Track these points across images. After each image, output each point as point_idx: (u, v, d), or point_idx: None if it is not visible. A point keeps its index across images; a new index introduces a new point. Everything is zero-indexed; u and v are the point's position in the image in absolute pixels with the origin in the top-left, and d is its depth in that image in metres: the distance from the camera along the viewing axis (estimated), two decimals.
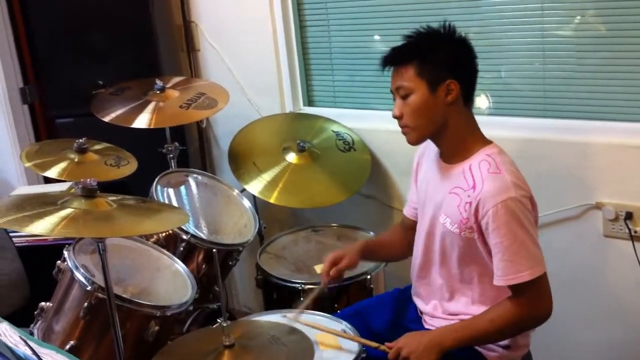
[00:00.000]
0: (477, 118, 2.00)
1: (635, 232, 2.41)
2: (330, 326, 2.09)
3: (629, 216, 2.40)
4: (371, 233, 2.83)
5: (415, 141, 1.98)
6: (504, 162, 1.90)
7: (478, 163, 1.91)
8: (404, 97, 1.92)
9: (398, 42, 1.98)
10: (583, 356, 2.66)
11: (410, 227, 2.24)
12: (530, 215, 1.87)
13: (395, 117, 1.96)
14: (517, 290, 1.85)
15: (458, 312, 2.03)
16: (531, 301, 1.84)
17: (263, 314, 2.22)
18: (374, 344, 1.96)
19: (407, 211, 2.28)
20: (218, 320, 1.91)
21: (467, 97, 1.95)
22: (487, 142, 1.98)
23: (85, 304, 2.08)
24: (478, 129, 1.99)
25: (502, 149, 1.96)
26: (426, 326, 2.11)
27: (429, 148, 2.11)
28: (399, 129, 1.99)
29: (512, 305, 1.86)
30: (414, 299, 2.20)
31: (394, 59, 1.96)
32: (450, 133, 1.95)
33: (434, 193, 2.03)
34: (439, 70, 1.89)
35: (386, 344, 1.93)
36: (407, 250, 2.24)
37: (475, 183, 1.88)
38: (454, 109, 1.92)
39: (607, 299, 2.55)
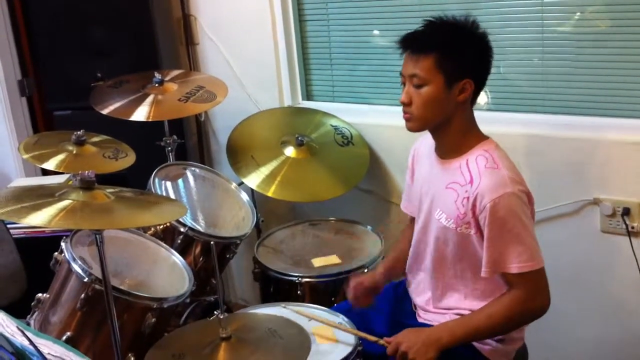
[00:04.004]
0: (476, 114, 1.99)
1: (633, 227, 2.41)
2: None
3: (626, 212, 2.41)
4: (369, 227, 2.83)
5: (415, 129, 1.96)
6: (501, 158, 1.89)
7: (475, 158, 1.90)
8: (417, 87, 1.88)
9: (396, 36, 1.96)
10: (579, 351, 2.67)
11: (413, 222, 2.24)
12: (528, 209, 1.87)
13: (402, 103, 1.92)
14: (512, 283, 1.85)
15: (451, 307, 2.03)
16: (527, 295, 1.85)
17: (261, 306, 2.23)
18: (372, 338, 1.96)
19: (405, 208, 2.28)
20: (215, 312, 1.90)
21: (477, 95, 1.94)
22: (483, 137, 1.97)
23: (82, 295, 2.08)
24: (476, 125, 1.98)
25: (498, 144, 1.96)
26: (420, 320, 2.11)
27: (424, 143, 2.10)
28: (398, 123, 1.98)
29: (508, 299, 1.86)
30: (409, 292, 2.20)
31: (414, 44, 1.90)
32: (452, 128, 1.94)
33: (430, 188, 2.03)
34: (458, 68, 1.86)
35: (385, 338, 1.93)
36: None
37: (473, 178, 1.87)
38: (462, 106, 1.91)
39: (604, 295, 2.55)
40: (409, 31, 1.94)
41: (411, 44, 1.91)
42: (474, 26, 1.91)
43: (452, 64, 1.86)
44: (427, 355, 1.84)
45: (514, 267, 1.82)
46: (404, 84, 1.93)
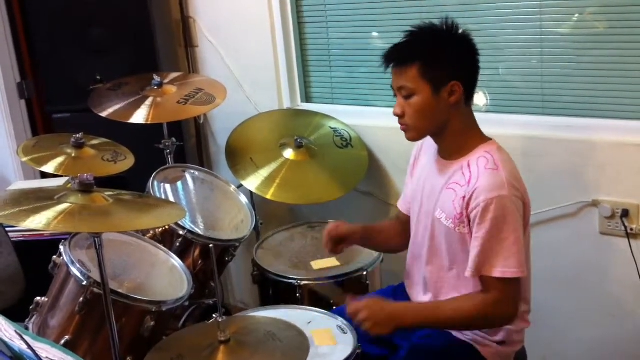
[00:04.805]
0: (476, 115, 1.99)
1: (631, 229, 2.41)
2: (326, 322, 2.10)
3: (625, 214, 2.41)
4: None
5: (414, 139, 1.99)
6: (502, 160, 1.89)
7: (476, 159, 1.90)
8: (406, 97, 1.91)
9: (396, 39, 1.97)
10: (578, 352, 2.67)
11: (405, 221, 2.24)
12: (520, 217, 1.86)
13: (396, 115, 1.95)
14: (487, 285, 1.85)
15: None
16: (497, 299, 1.84)
17: (261, 309, 2.23)
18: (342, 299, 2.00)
19: (402, 205, 2.28)
20: (214, 315, 1.90)
21: (470, 95, 1.95)
22: (486, 139, 1.97)
23: (81, 299, 2.08)
24: (477, 126, 1.99)
25: (500, 145, 1.96)
26: None
27: (427, 144, 2.10)
28: (397, 125, 1.98)
29: (479, 299, 1.87)
30: (408, 292, 2.20)
31: (396, 57, 1.92)
32: (451, 131, 1.95)
33: (431, 188, 2.03)
34: (443, 72, 1.87)
35: (349, 297, 1.94)
36: (402, 244, 2.24)
37: (472, 178, 1.88)
38: (456, 108, 1.91)
39: (603, 296, 2.55)
40: (392, 44, 1.96)
41: (394, 57, 1.93)
42: (453, 29, 1.92)
43: (435, 70, 1.87)
44: (383, 330, 1.86)
45: (497, 271, 1.82)
46: (396, 96, 1.95)
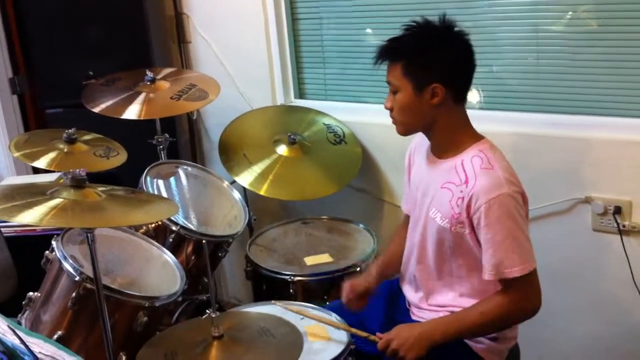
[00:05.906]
0: (470, 112, 1.99)
1: (624, 226, 2.42)
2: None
3: (617, 210, 2.41)
4: (361, 225, 2.83)
5: (403, 134, 2.00)
6: (496, 158, 1.89)
7: (470, 158, 1.90)
8: (394, 93, 1.93)
9: (389, 35, 1.97)
10: (572, 348, 2.68)
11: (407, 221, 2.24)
12: (522, 210, 1.87)
13: (386, 108, 1.97)
14: (508, 284, 1.86)
15: (446, 304, 2.03)
16: (521, 296, 1.86)
17: (253, 305, 2.22)
18: (363, 334, 1.97)
19: (404, 207, 2.28)
20: (207, 311, 1.90)
21: (459, 96, 1.94)
22: (478, 137, 1.97)
23: (74, 294, 2.07)
24: (469, 124, 1.98)
25: (493, 144, 1.96)
26: (414, 318, 2.11)
27: (420, 143, 2.11)
28: (390, 122, 1.99)
29: (502, 299, 1.87)
30: (403, 290, 2.21)
31: (385, 53, 1.94)
32: (440, 130, 1.95)
33: (425, 188, 2.03)
34: (424, 74, 1.88)
35: (377, 334, 1.94)
36: None
37: (468, 178, 1.87)
38: (442, 109, 1.91)
39: (595, 293, 2.56)
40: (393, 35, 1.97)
41: (383, 53, 1.95)
42: (448, 26, 1.91)
43: (416, 70, 1.88)
44: (418, 352, 1.86)
45: (516, 271, 1.82)
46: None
